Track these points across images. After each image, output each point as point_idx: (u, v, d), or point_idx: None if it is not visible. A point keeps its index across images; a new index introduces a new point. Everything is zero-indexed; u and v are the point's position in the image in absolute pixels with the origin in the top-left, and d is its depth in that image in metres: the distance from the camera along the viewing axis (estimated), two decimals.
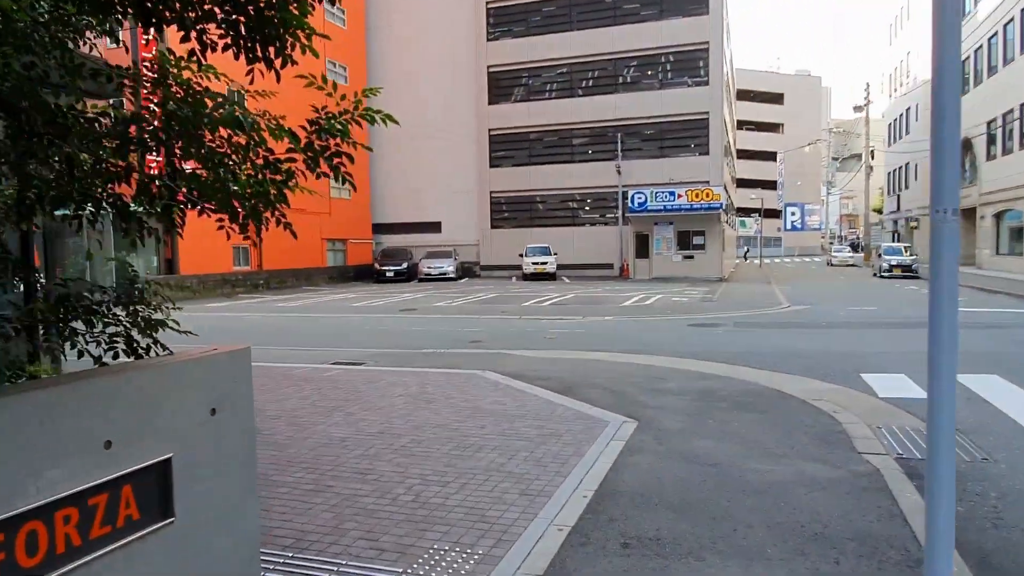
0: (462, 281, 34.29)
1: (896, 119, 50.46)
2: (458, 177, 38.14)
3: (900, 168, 49.18)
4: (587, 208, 37.06)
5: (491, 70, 37.44)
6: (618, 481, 4.99)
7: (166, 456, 2.49)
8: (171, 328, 4.37)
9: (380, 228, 39.90)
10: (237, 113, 3.75)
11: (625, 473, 5.16)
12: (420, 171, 38.82)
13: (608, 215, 36.14)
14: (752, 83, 70.22)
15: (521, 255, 34.15)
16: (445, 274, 34.03)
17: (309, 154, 4.02)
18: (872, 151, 48.42)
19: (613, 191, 35.02)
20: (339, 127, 4.04)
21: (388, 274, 34.44)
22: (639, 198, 32.71)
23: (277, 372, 9.54)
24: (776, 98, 72.99)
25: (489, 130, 37.54)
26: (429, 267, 34.23)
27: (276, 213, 4.25)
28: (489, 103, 37.49)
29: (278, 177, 4.05)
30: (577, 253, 35.72)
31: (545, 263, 33.25)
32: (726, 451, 5.68)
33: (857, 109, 50.25)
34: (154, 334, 4.14)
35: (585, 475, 5.11)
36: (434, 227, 38.93)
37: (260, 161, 4.02)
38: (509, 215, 38.01)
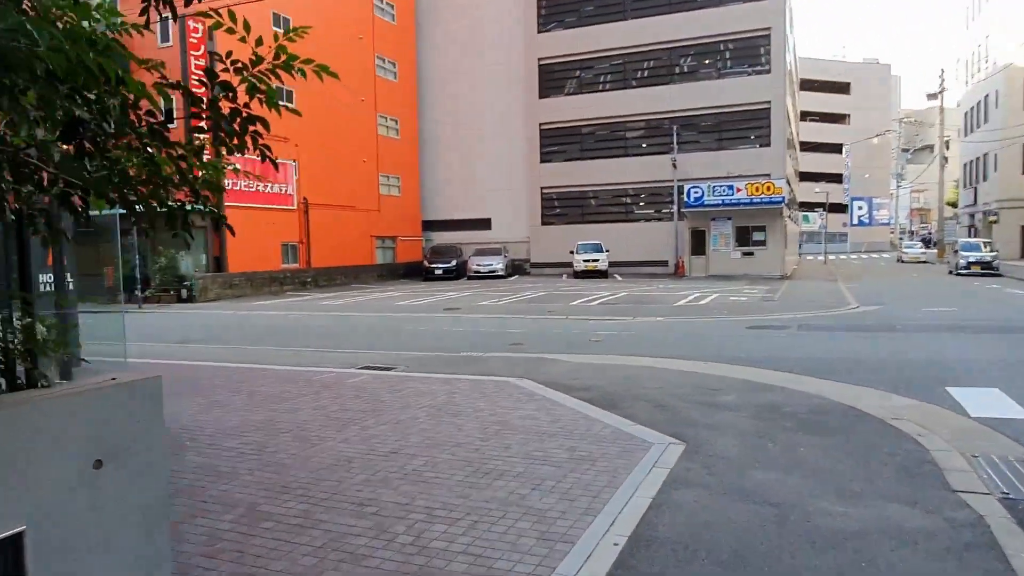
0: (511, 279, 33.62)
1: (973, 107, 47.41)
2: (508, 173, 37.47)
3: (977, 159, 46.20)
4: (641, 203, 35.88)
5: (542, 63, 36.59)
6: (657, 524, 4.18)
7: (12, 531, 1.83)
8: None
9: (430, 225, 39.56)
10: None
11: (667, 513, 4.34)
12: (470, 167, 38.30)
13: (663, 210, 34.90)
14: (816, 72, 67.39)
15: (572, 252, 33.25)
16: (494, 272, 33.41)
17: (210, 118, 3.10)
18: (947, 141, 45.63)
19: (668, 186, 33.77)
20: (253, 81, 3.17)
21: (436, 272, 34.02)
22: (695, 192, 31.41)
23: (302, 377, 9.00)
24: (842, 87, 69.91)
25: (540, 124, 36.72)
26: (478, 265, 33.66)
27: (190, 202, 3.24)
28: (540, 96, 36.66)
29: (176, 151, 3.26)
30: (630, 250, 34.60)
31: (596, 260, 32.28)
32: (791, 486, 4.79)
33: (931, 97, 47.39)
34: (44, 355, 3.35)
35: (619, 514, 4.31)
36: (484, 224, 38.35)
37: (144, 126, 3.10)
38: (560, 211, 37.14)
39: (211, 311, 20.94)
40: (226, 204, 25.31)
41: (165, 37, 24.87)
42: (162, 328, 16.87)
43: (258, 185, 27.04)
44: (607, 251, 32.82)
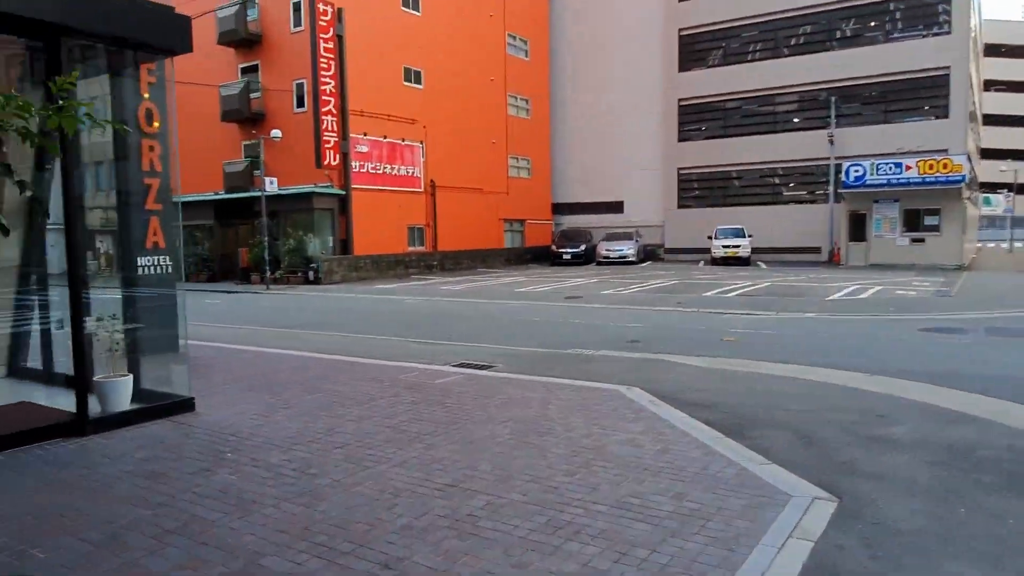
0: (643, 265, 31.77)
1: None
2: (643, 153, 35.46)
3: None
4: (791, 184, 32.70)
5: (682, 34, 34.16)
6: None
7: None
8: None
9: (560, 208, 38.38)
10: None
11: None
12: (603, 147, 36.65)
13: (816, 191, 31.58)
14: (1005, 36, 59.14)
15: (710, 237, 30.86)
16: (624, 257, 31.69)
17: None
18: None
19: (823, 164, 30.45)
20: None
21: (564, 257, 32.82)
22: (856, 171, 27.99)
23: (388, 375, 8.14)
24: None
25: (679, 100, 34.37)
26: (608, 250, 32.08)
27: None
28: (680, 70, 34.28)
29: None
30: (777, 235, 31.63)
31: (738, 247, 29.71)
32: None
33: None
34: None
35: None
36: (615, 207, 36.64)
37: None
38: (699, 193, 34.68)
39: (332, 294, 21.00)
40: (353, 187, 25.48)
41: (298, 22, 25.24)
42: (278, 311, 16.91)
43: (385, 167, 27.03)
44: (750, 236, 30.14)
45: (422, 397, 6.99)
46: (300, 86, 25.36)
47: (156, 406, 6.24)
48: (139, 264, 9.47)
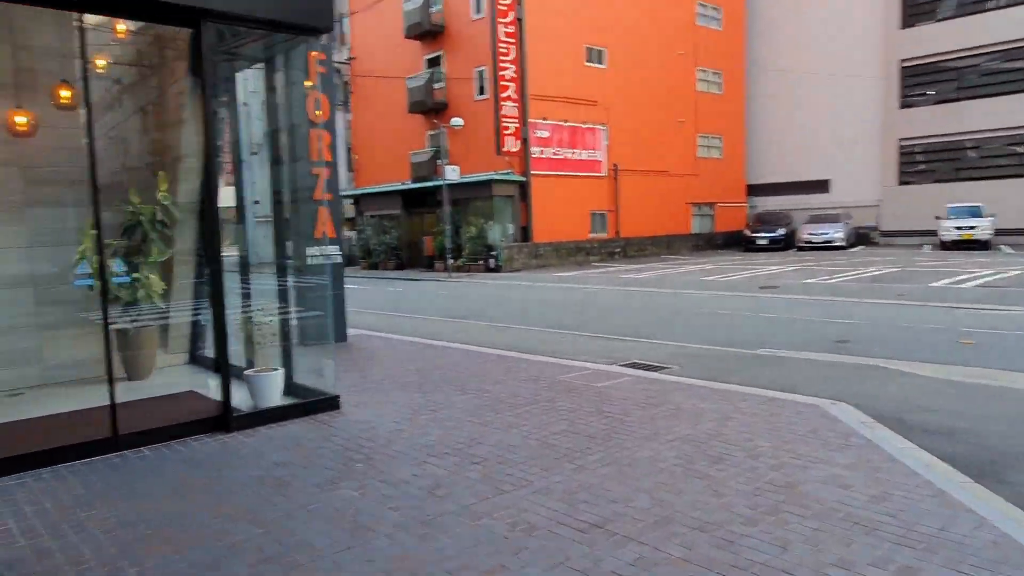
0: (854, 250, 28.35)
1: None
2: (854, 124, 31.63)
3: None
4: None
5: None
6: None
7: None
8: None
9: (755, 189, 35.49)
10: None
11: None
12: (805, 120, 33.23)
13: None
14: None
15: (938, 218, 26.76)
16: (831, 242, 28.45)
17: None
18: None
19: None
20: None
21: (760, 242, 30.20)
22: None
23: (548, 374, 7.42)
24: None
25: (900, 61, 30.15)
26: (810, 233, 28.98)
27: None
28: (901, 26, 30.05)
29: None
30: None
31: (973, 228, 25.42)
32: None
33: None
34: None
35: None
36: (820, 186, 33.10)
37: None
38: (924, 167, 30.28)
39: (510, 282, 20.79)
40: (532, 172, 25.15)
41: (478, 9, 25.27)
42: (454, 299, 16.90)
43: (566, 152, 26.40)
44: (991, 216, 25.69)
45: (580, 403, 6.17)
46: (481, 74, 25.45)
47: (302, 403, 6.01)
48: (308, 254, 9.62)
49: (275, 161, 7.13)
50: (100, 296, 5.19)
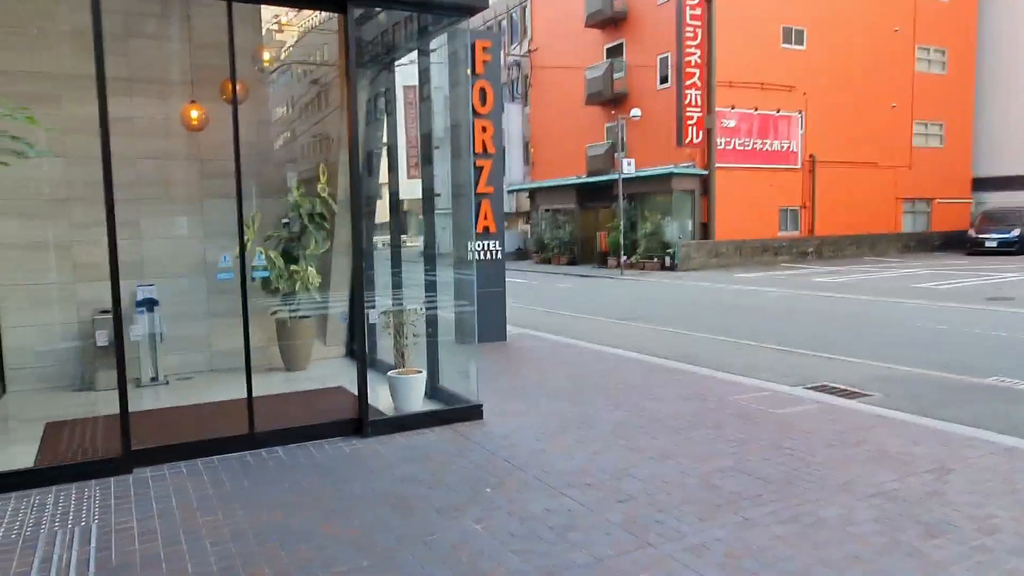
0: None
1: None
2: None
3: None
4: None
5: None
6: None
7: None
8: None
9: (983, 184, 30.77)
10: None
11: None
12: None
13: None
14: None
15: None
16: None
17: None
18: None
19: None
20: None
21: (988, 243, 26.12)
22: None
23: (716, 392, 6.51)
24: None
25: None
26: None
27: None
28: None
29: None
30: None
31: None
32: None
33: None
34: None
35: None
36: None
37: None
38: None
39: (686, 282, 19.53)
40: (716, 165, 23.56)
41: None
42: (624, 298, 16.07)
43: (755, 142, 24.44)
44: None
45: (753, 433, 5.24)
46: (664, 61, 24.24)
47: (443, 411, 5.63)
48: (469, 249, 9.34)
49: (426, 161, 6.82)
50: (240, 288, 5.11)
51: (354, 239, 5.22)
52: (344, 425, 5.23)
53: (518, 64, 32.51)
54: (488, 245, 9.34)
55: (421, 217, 11.19)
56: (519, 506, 3.98)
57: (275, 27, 7.25)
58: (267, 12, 7.45)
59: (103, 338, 6.77)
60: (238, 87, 6.92)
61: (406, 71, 7.52)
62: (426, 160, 6.80)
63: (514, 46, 33.31)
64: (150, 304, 6.89)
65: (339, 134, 8.74)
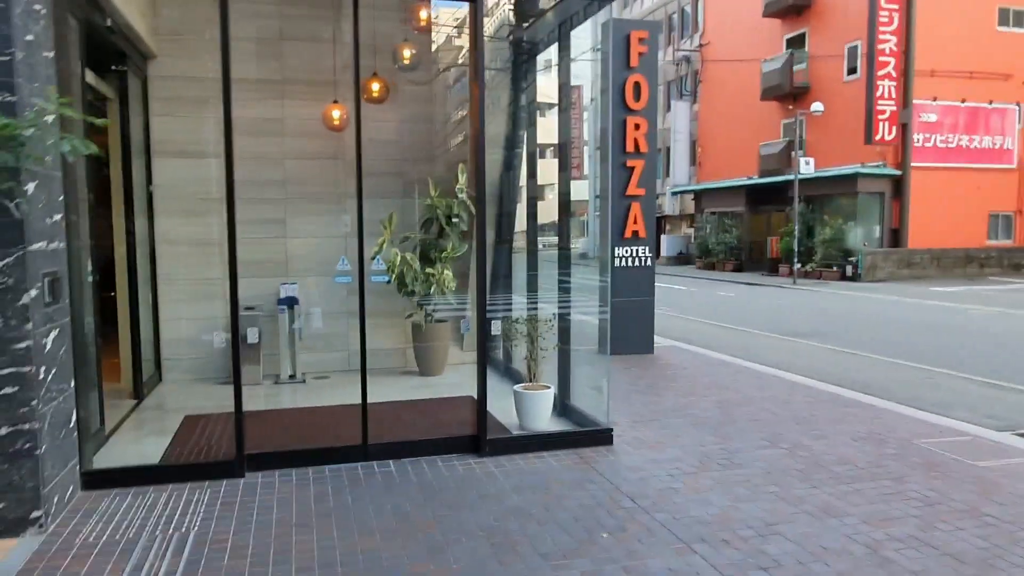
0: None
1: None
2: None
3: None
4: None
5: None
6: None
7: None
8: None
9: None
10: None
11: None
12: None
13: None
14: None
15: None
16: None
17: None
18: None
19: None
20: None
21: None
22: None
23: (899, 432, 5.47)
24: None
25: None
26: None
27: None
28: None
29: None
30: None
31: None
32: None
33: None
34: None
35: None
36: None
37: None
38: None
39: (871, 295, 17.47)
40: (912, 165, 21.00)
41: None
42: (795, 310, 14.60)
43: (960, 139, 21.50)
44: None
45: (944, 490, 4.24)
46: (853, 50, 21.98)
47: (570, 433, 5.13)
48: (615, 255, 8.75)
49: (562, 168, 6.34)
50: (359, 290, 4.92)
51: (477, 242, 4.87)
52: (461, 442, 4.89)
53: (687, 59, 31.10)
54: (636, 251, 8.69)
55: (583, 218, 10.68)
56: (637, 561, 3.40)
57: (420, 25, 7.12)
58: (411, 10, 7.36)
59: (253, 335, 6.99)
60: (379, 86, 6.87)
61: (562, 70, 7.10)
62: (562, 165, 6.35)
63: (683, 41, 31.91)
64: (291, 302, 7.01)
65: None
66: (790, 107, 24.03)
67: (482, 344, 4.94)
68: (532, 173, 7.08)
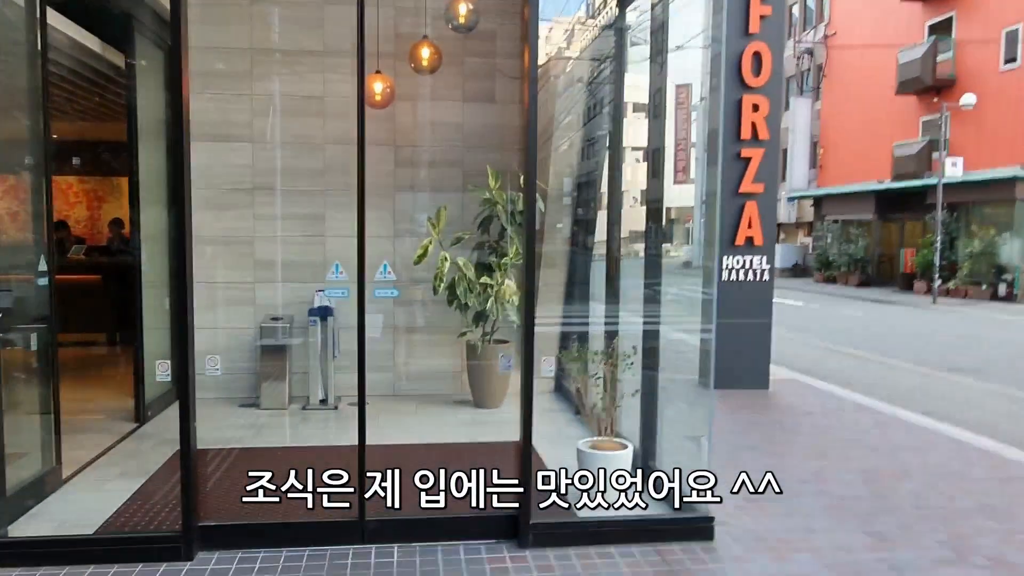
0: None
1: None
2: None
3: None
4: None
5: None
6: None
7: None
8: None
9: None
10: None
11: None
12: None
13: None
14: None
15: None
16: None
17: None
18: None
19: None
20: None
21: None
22: None
23: None
24: None
25: None
26: None
27: None
28: None
29: None
30: None
31: None
32: None
33: None
34: None
35: None
36: None
37: None
38: None
39: None
40: None
41: None
42: (939, 336, 12.26)
43: None
44: None
45: None
46: (1012, 35, 18.99)
47: (651, 520, 3.61)
48: (723, 267, 7.12)
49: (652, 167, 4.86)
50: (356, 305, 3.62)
51: (527, 252, 3.49)
52: (496, 523, 3.50)
53: (810, 53, 28.40)
54: (751, 261, 7.03)
55: (687, 226, 9.07)
56: None
57: None
58: None
59: (276, 352, 5.90)
60: (430, 51, 5.61)
61: (674, 66, 5.65)
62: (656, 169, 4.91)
63: (806, 33, 29.20)
64: (324, 313, 5.86)
65: (550, 118, 7.14)
66: (934, 100, 21.10)
67: (528, 386, 3.54)
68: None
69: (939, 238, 18.36)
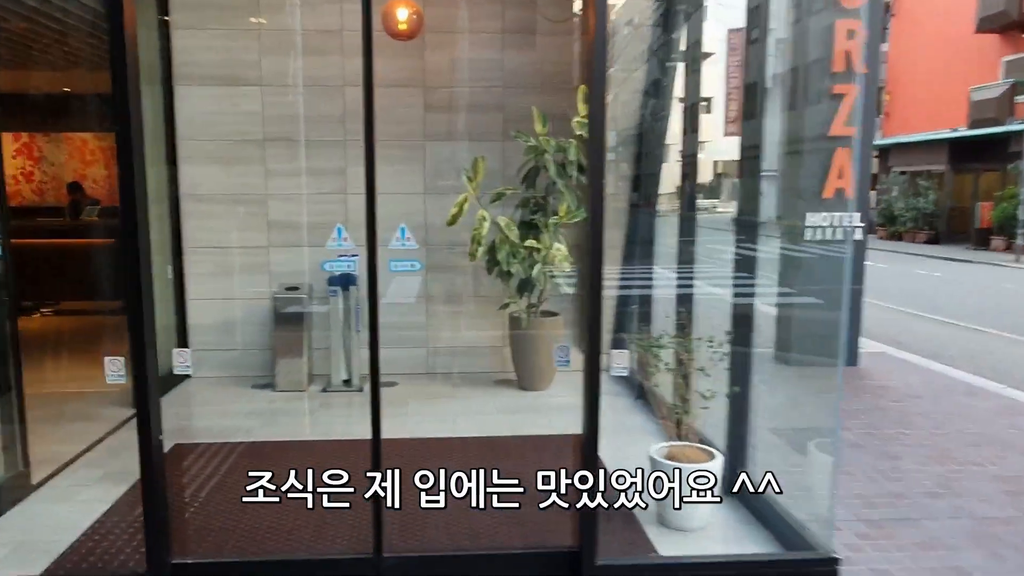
0: None
1: None
2: None
3: None
4: None
5: None
6: None
7: None
8: None
9: None
10: None
11: None
12: None
13: None
14: None
15: None
16: None
17: None
18: None
19: None
20: None
21: None
22: None
23: None
24: None
25: None
26: None
27: None
28: None
29: None
30: None
31: None
32: None
33: None
34: None
35: None
36: None
37: None
38: None
39: None
40: None
41: None
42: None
43: None
44: None
45: None
46: None
47: (753, 562, 2.80)
48: (807, 225, 6.12)
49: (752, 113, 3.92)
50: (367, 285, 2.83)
51: (592, 205, 2.64)
52: (550, 561, 2.73)
53: None
54: (839, 219, 6.00)
55: (736, 180, 8.12)
56: None
57: None
58: None
59: (294, 324, 5.18)
60: None
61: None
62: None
63: None
64: (346, 282, 5.10)
65: (612, 56, 6.17)
66: (1021, 35, 19.15)
67: (594, 381, 2.72)
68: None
69: (1022, 190, 16.78)
